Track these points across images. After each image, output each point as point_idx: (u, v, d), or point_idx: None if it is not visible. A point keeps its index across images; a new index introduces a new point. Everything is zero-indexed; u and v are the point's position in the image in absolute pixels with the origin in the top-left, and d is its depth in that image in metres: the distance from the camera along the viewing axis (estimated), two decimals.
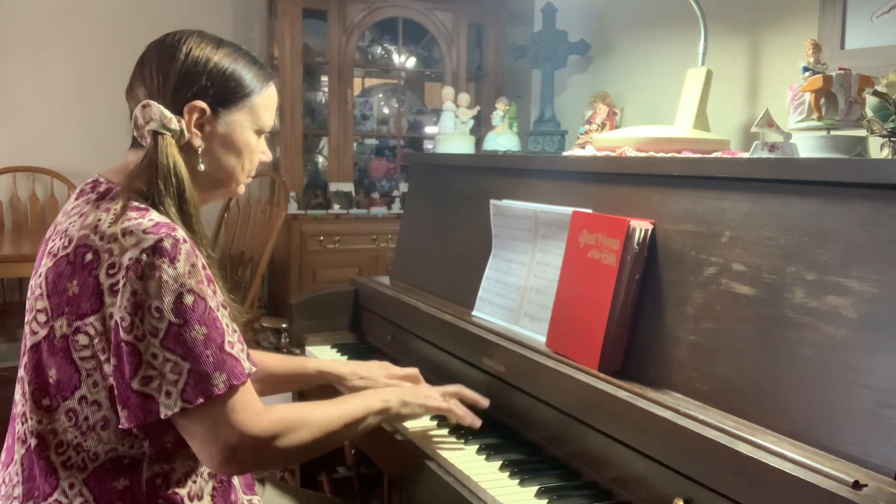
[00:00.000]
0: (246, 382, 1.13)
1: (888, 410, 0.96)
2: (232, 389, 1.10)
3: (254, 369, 1.16)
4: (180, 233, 1.10)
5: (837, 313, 1.06)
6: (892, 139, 1.37)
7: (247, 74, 1.23)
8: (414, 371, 1.66)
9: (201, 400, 1.07)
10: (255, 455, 1.13)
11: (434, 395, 1.44)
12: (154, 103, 1.16)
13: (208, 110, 1.19)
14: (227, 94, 1.21)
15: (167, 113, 1.16)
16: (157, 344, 1.06)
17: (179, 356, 1.06)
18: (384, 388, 1.45)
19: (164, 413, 1.06)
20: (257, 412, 1.14)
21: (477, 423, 1.45)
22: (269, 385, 1.62)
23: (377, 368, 1.67)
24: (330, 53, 4.21)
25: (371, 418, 1.32)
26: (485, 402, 1.51)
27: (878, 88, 1.37)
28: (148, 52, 1.22)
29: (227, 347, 1.11)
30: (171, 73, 1.18)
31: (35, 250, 3.12)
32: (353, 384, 1.63)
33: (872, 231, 1.05)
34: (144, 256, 1.06)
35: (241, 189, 1.32)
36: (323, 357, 2.02)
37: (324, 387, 1.76)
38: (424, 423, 1.56)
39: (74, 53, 4.13)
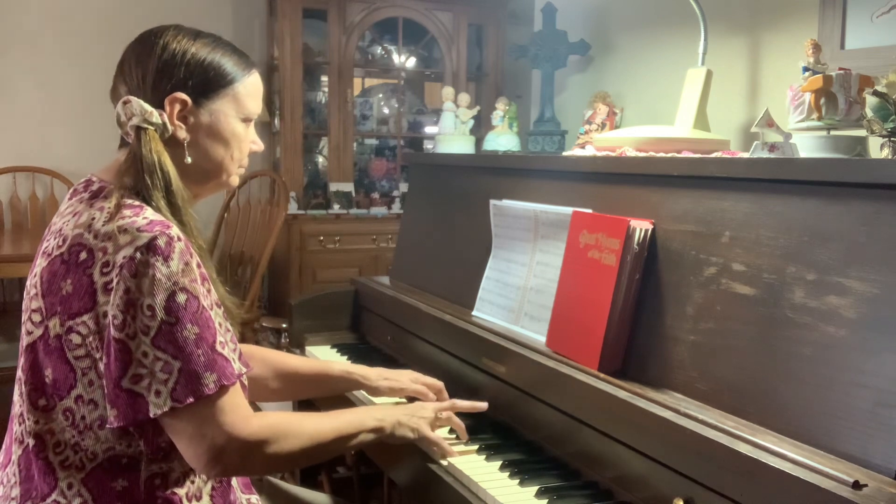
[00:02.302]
0: (235, 384, 1.12)
1: (888, 410, 0.96)
2: (222, 390, 1.09)
3: (244, 370, 1.15)
4: (175, 230, 1.09)
5: (837, 313, 1.06)
6: (892, 139, 1.37)
7: (226, 62, 1.22)
8: (439, 384, 1.61)
9: (191, 399, 1.06)
10: (240, 458, 1.12)
11: (429, 417, 1.40)
12: (134, 98, 1.16)
13: (189, 101, 1.18)
14: (207, 83, 1.20)
15: (147, 107, 1.16)
16: (149, 342, 1.05)
17: (170, 355, 1.06)
18: (381, 406, 1.41)
19: (153, 412, 1.06)
20: (245, 415, 1.13)
21: (453, 454, 1.40)
22: (293, 386, 1.58)
23: (404, 374, 1.62)
24: (330, 53, 4.21)
25: (363, 436, 1.30)
26: (482, 405, 1.51)
27: (878, 88, 1.37)
28: (127, 51, 1.22)
29: (219, 347, 1.10)
30: (149, 68, 1.18)
31: (35, 250, 3.13)
32: (378, 385, 1.59)
33: (872, 231, 1.05)
34: (138, 254, 1.05)
35: (235, 180, 1.30)
36: (323, 356, 2.02)
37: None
38: None
39: (74, 54, 4.13)
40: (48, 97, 4.12)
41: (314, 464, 1.40)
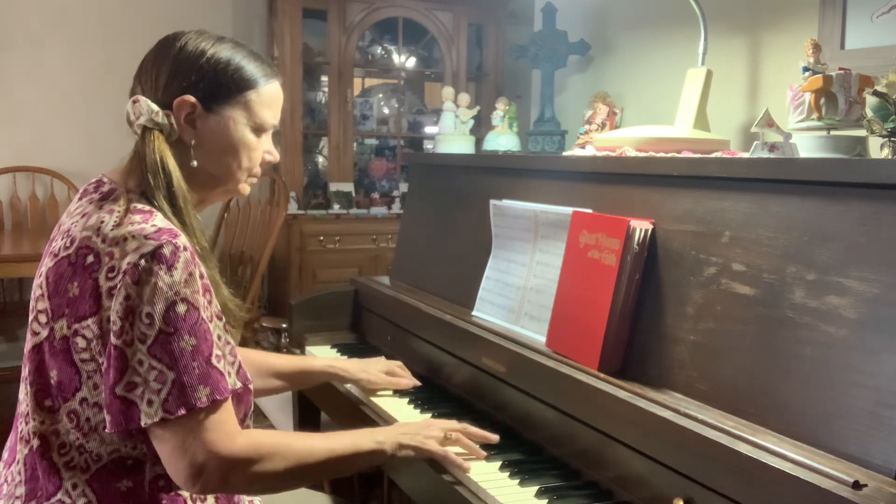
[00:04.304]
0: (227, 400, 1.11)
1: (888, 410, 0.96)
2: (214, 405, 1.08)
3: (239, 385, 1.13)
4: (182, 240, 1.09)
5: (837, 313, 1.06)
6: (892, 139, 1.37)
7: (243, 69, 1.20)
8: (396, 370, 1.73)
9: (182, 411, 1.05)
10: (221, 477, 1.09)
11: (435, 435, 1.33)
12: (142, 98, 1.16)
13: (198, 105, 1.17)
14: (218, 88, 1.18)
15: (154, 107, 1.15)
16: (145, 350, 1.05)
17: (165, 365, 1.05)
18: (384, 428, 1.35)
19: (144, 421, 1.05)
20: (230, 433, 1.10)
21: (466, 467, 1.33)
22: (277, 382, 1.63)
23: (376, 364, 1.74)
24: (330, 53, 4.21)
25: (359, 459, 1.25)
26: (494, 437, 1.39)
27: (878, 88, 1.37)
28: (148, 52, 1.22)
29: (215, 361, 1.09)
30: (163, 69, 1.17)
31: (35, 250, 3.13)
32: (358, 378, 1.69)
33: (872, 231, 1.05)
34: (143, 262, 1.05)
35: (245, 188, 1.27)
36: (324, 357, 2.01)
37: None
38: None
39: (74, 53, 4.13)
40: (48, 97, 4.11)
41: (305, 485, 1.37)
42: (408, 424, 1.38)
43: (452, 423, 1.39)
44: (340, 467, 1.25)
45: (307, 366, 1.68)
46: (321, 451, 1.20)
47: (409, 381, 1.72)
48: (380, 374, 1.71)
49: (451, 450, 1.34)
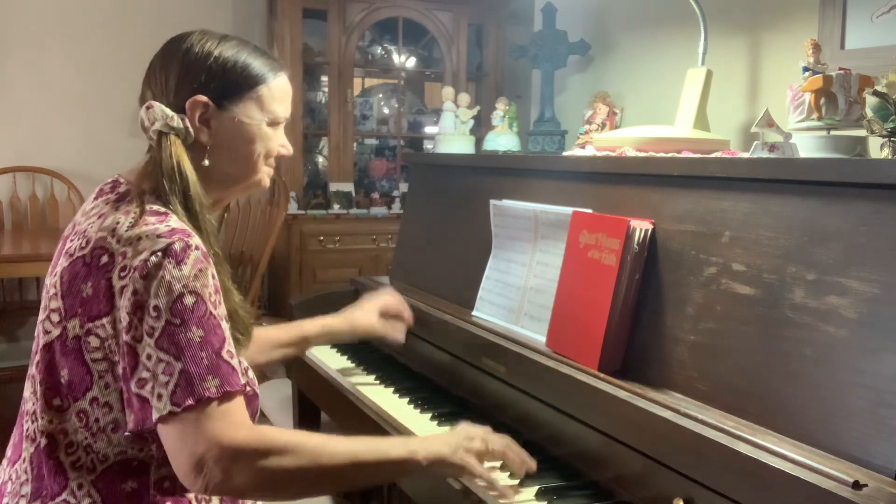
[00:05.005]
0: (238, 394, 1.07)
1: (888, 410, 0.96)
2: (225, 396, 1.05)
3: (249, 390, 1.10)
4: (195, 240, 1.09)
5: (837, 313, 1.06)
6: (892, 139, 1.37)
7: (251, 65, 1.21)
8: (398, 308, 1.78)
9: (190, 401, 1.02)
10: (222, 471, 1.03)
11: (476, 448, 1.23)
12: (156, 103, 1.16)
13: (212, 104, 1.18)
14: (230, 86, 1.19)
15: (168, 111, 1.16)
16: (153, 344, 1.04)
17: (172, 356, 1.03)
18: (420, 437, 1.23)
19: (155, 416, 1.03)
20: (235, 423, 1.05)
21: (511, 496, 1.24)
22: (277, 353, 1.65)
23: (369, 304, 1.77)
24: (330, 53, 4.21)
25: (388, 468, 1.16)
26: (533, 465, 1.29)
27: (878, 88, 1.37)
28: (154, 57, 1.22)
29: (226, 355, 1.07)
30: (173, 72, 1.18)
31: (35, 250, 3.13)
32: (348, 330, 1.73)
33: (872, 231, 1.05)
34: (153, 258, 1.05)
35: (265, 182, 1.28)
36: (324, 357, 2.02)
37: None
38: (424, 422, 1.56)
39: (74, 53, 4.13)
40: (48, 97, 4.12)
41: (320, 494, 1.29)
42: (445, 435, 1.25)
43: (496, 437, 1.27)
44: (364, 475, 1.17)
45: (305, 332, 1.70)
46: (342, 454, 1.12)
47: (400, 335, 1.77)
48: (371, 322, 1.74)
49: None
